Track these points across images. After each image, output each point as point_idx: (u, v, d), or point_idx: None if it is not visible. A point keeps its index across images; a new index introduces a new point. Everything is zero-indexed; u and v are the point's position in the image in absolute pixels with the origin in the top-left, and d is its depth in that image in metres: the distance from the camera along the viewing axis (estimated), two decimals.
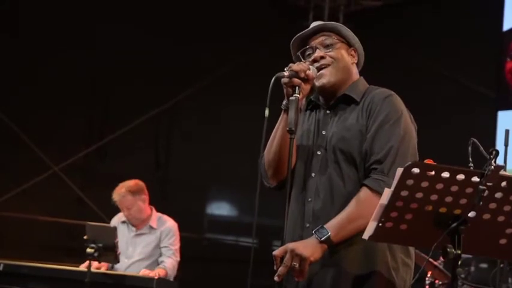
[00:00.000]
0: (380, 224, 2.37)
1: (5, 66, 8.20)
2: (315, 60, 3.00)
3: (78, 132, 8.95)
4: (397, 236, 2.43)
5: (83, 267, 5.47)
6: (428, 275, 5.59)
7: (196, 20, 8.66)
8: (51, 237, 8.38)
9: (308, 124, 3.05)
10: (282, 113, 2.96)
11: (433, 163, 2.32)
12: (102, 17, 8.44)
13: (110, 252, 5.27)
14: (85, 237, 5.21)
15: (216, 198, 9.78)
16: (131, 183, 5.92)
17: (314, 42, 3.05)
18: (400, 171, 2.29)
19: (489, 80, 8.24)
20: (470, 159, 2.38)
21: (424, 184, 2.30)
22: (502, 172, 2.29)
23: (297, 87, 2.88)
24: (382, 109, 2.89)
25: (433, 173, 2.28)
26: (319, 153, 2.95)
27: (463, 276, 5.70)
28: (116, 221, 6.06)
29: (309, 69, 2.92)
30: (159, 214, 6.07)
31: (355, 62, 3.10)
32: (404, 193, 2.32)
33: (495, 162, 2.27)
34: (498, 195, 2.33)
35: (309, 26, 3.13)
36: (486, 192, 2.29)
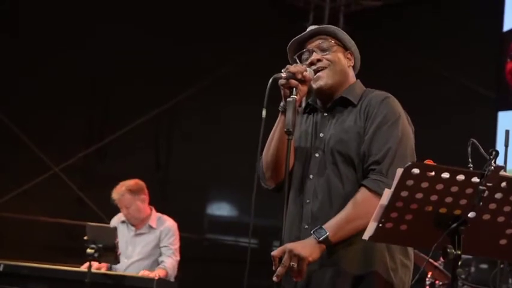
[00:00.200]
0: (380, 225, 2.38)
1: (5, 66, 8.20)
2: (312, 63, 3.03)
3: (78, 132, 8.95)
4: (397, 236, 2.44)
5: (83, 268, 5.46)
6: (429, 276, 5.60)
7: (196, 20, 8.66)
8: (51, 238, 8.38)
9: (306, 127, 3.07)
10: (280, 114, 2.97)
11: (433, 164, 2.32)
12: (102, 17, 8.43)
13: (110, 253, 5.27)
14: (85, 237, 5.21)
15: (216, 199, 9.78)
16: (131, 182, 5.93)
17: (311, 46, 3.08)
18: (400, 171, 2.30)
19: (489, 81, 8.24)
20: (470, 159, 2.38)
21: (424, 185, 2.30)
22: (502, 173, 2.29)
23: (294, 89, 2.89)
24: (379, 111, 2.90)
25: (433, 173, 2.28)
26: (317, 155, 2.97)
27: (463, 276, 5.71)
28: (116, 221, 6.07)
29: (306, 70, 2.94)
30: (159, 214, 6.07)
31: (352, 65, 3.12)
32: (404, 194, 2.32)
33: (495, 162, 2.27)
34: (498, 195, 2.33)
35: (308, 27, 3.14)
36: (486, 193, 2.29)
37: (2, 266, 5.46)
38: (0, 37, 8.23)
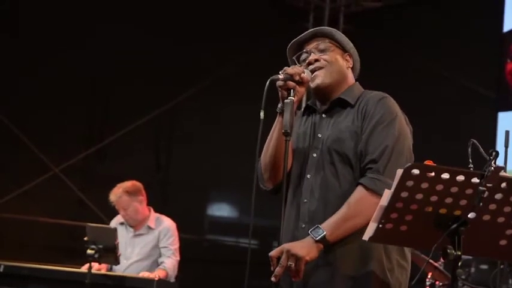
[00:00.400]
0: (380, 225, 2.38)
1: (5, 66, 8.20)
2: (309, 63, 3.05)
3: (79, 133, 8.95)
4: (397, 237, 2.44)
5: (84, 268, 5.46)
6: (429, 276, 5.60)
7: (196, 20, 8.66)
8: (51, 239, 8.37)
9: (304, 128, 3.09)
10: (278, 116, 2.99)
11: (433, 164, 2.32)
12: (102, 17, 8.43)
13: (110, 254, 5.27)
14: (85, 238, 5.22)
15: (217, 200, 9.78)
16: (128, 184, 5.93)
17: (309, 47, 3.11)
18: (400, 172, 2.30)
19: (489, 81, 8.24)
20: (470, 160, 2.38)
21: (424, 185, 2.30)
22: (502, 173, 2.29)
23: (291, 90, 2.91)
24: (376, 111, 2.91)
25: (433, 174, 2.28)
26: (314, 155, 2.98)
27: (463, 277, 5.71)
28: (115, 222, 6.07)
29: (304, 72, 2.96)
30: (157, 214, 6.07)
31: (350, 66, 3.14)
32: (404, 194, 2.32)
33: (495, 163, 2.27)
34: (498, 196, 2.33)
35: (309, 28, 3.16)
36: (486, 193, 2.29)
37: (2, 266, 5.47)
38: (0, 37, 8.23)
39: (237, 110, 8.47)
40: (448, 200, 2.33)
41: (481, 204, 2.31)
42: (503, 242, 2.45)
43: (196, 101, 8.86)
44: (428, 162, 2.34)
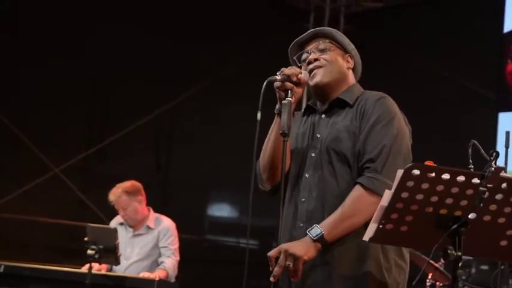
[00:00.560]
0: (380, 226, 2.38)
1: (5, 67, 8.20)
2: (309, 62, 3.06)
3: (79, 133, 8.95)
4: (397, 237, 2.44)
5: (84, 269, 5.46)
6: (429, 277, 5.59)
7: (196, 20, 8.65)
8: (51, 239, 8.37)
9: (304, 128, 3.10)
10: (276, 117, 3.00)
11: (433, 165, 2.32)
12: (102, 17, 8.43)
13: (110, 254, 5.27)
14: (86, 238, 5.22)
15: (217, 200, 9.77)
16: (127, 184, 5.93)
17: (309, 47, 3.12)
18: (400, 172, 2.30)
19: (489, 81, 8.24)
20: (471, 160, 2.38)
21: (425, 186, 2.30)
22: (502, 174, 2.29)
23: (289, 91, 2.93)
24: (375, 110, 2.92)
25: (433, 174, 2.28)
26: (313, 154, 2.99)
27: (463, 278, 5.70)
28: (115, 222, 6.07)
29: (301, 73, 2.98)
30: (156, 214, 6.07)
31: (351, 67, 3.14)
32: (404, 195, 2.32)
33: (495, 163, 2.27)
34: (498, 196, 2.33)
35: (309, 28, 3.17)
36: (486, 194, 2.29)
37: (2, 267, 5.47)
38: (0, 37, 8.23)
39: (237, 110, 8.46)
40: (449, 201, 2.33)
41: (482, 204, 2.31)
42: (503, 243, 2.45)
43: (196, 101, 8.86)
44: (428, 163, 2.35)
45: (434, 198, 2.33)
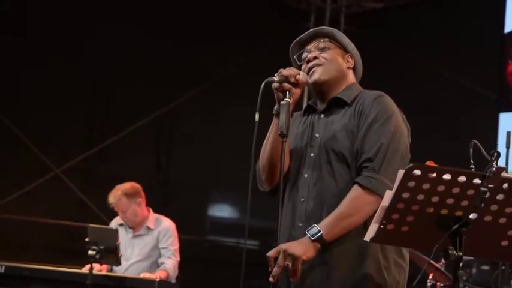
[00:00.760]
0: (381, 226, 2.38)
1: (5, 67, 8.20)
2: (308, 61, 3.08)
3: (79, 134, 8.95)
4: (398, 238, 2.44)
5: (85, 269, 5.46)
6: (430, 277, 5.59)
7: (196, 20, 8.65)
8: (52, 239, 8.37)
9: (303, 128, 3.10)
10: (274, 118, 3.01)
11: (434, 165, 2.32)
12: (102, 17, 8.43)
13: (111, 254, 5.27)
14: (87, 239, 5.22)
15: (218, 201, 9.76)
16: (127, 186, 5.92)
17: (309, 46, 3.13)
18: (401, 173, 2.30)
19: (489, 81, 8.23)
20: (472, 161, 2.38)
21: (426, 186, 2.30)
22: (503, 174, 2.29)
23: (287, 92, 2.93)
24: (372, 109, 2.93)
25: (434, 175, 2.28)
26: (312, 154, 2.99)
27: (464, 278, 5.70)
28: (114, 223, 6.06)
29: (299, 74, 2.99)
30: (156, 215, 6.06)
31: (351, 66, 3.15)
32: (405, 195, 2.32)
33: (497, 164, 2.27)
34: (500, 197, 2.33)
35: (310, 28, 3.18)
36: (487, 194, 2.29)
37: (3, 267, 5.47)
38: (0, 37, 8.23)
39: (237, 110, 8.45)
40: (450, 201, 2.33)
41: (483, 205, 2.31)
42: (504, 243, 2.45)
43: (196, 101, 8.86)
44: (429, 163, 2.34)
45: (435, 199, 2.32)
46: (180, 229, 6.08)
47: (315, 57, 3.07)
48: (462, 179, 2.29)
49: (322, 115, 3.06)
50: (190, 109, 9.00)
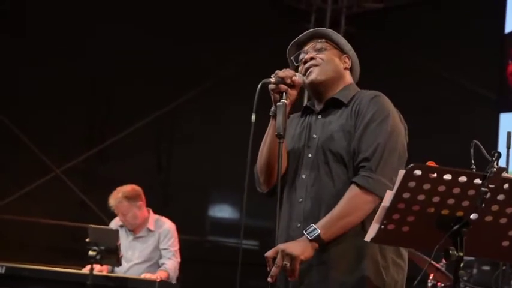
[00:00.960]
0: (382, 226, 2.38)
1: (5, 67, 8.19)
2: (305, 61, 3.09)
3: (79, 134, 8.94)
4: (399, 238, 2.44)
5: (85, 270, 5.46)
6: (431, 278, 5.59)
7: (196, 20, 8.65)
8: (52, 240, 8.36)
9: (300, 129, 3.12)
10: (271, 119, 3.02)
11: (435, 165, 2.32)
12: (102, 17, 8.42)
13: (112, 255, 5.27)
14: (87, 239, 5.22)
15: (218, 201, 9.76)
16: (128, 188, 5.90)
17: (307, 47, 3.15)
18: (402, 173, 2.30)
19: (489, 82, 8.23)
20: (473, 161, 2.38)
21: (426, 186, 2.30)
22: (504, 174, 2.29)
23: (284, 93, 2.95)
24: (369, 109, 2.94)
25: (435, 175, 2.28)
26: (309, 155, 3.00)
27: (465, 278, 5.71)
28: (114, 224, 6.05)
29: (295, 75, 3.00)
30: (157, 216, 6.06)
31: (348, 67, 3.17)
32: (406, 195, 2.32)
33: (497, 164, 2.27)
34: (500, 197, 2.33)
35: (310, 28, 3.18)
36: (488, 195, 2.29)
37: (3, 268, 5.46)
38: (0, 37, 8.22)
39: (238, 110, 8.43)
40: (450, 201, 2.33)
41: (483, 205, 2.31)
42: (505, 243, 2.45)
43: (196, 101, 8.85)
44: (430, 163, 2.35)
45: (436, 199, 2.33)
46: (180, 230, 6.08)
47: (312, 58, 3.08)
48: (463, 179, 2.29)
49: (319, 116, 3.08)
50: (191, 109, 8.99)
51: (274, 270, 2.76)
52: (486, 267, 6.10)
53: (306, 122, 3.11)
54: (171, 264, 5.84)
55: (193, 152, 8.86)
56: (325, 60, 3.08)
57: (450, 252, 2.35)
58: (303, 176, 2.98)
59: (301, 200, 2.96)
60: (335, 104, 3.05)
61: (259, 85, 2.92)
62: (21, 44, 8.25)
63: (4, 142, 8.28)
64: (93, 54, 8.44)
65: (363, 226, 2.80)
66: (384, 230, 2.38)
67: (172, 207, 8.04)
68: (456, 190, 2.30)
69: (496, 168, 2.26)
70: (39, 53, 8.22)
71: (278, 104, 2.93)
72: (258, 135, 2.97)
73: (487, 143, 2.40)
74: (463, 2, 8.50)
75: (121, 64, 8.44)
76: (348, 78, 3.15)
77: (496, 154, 2.27)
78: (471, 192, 2.30)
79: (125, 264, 5.75)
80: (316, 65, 3.06)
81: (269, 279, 2.76)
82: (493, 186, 2.28)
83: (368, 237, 2.43)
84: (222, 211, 9.83)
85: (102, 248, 5.15)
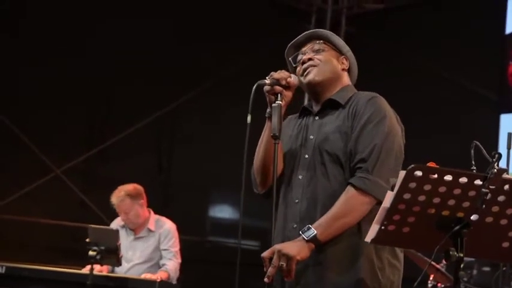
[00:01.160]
0: (382, 227, 2.38)
1: (5, 67, 8.19)
2: (303, 62, 3.10)
3: (79, 134, 8.93)
4: (399, 239, 2.44)
5: (85, 270, 5.46)
6: (431, 278, 5.60)
7: (196, 20, 8.65)
8: (53, 240, 8.36)
9: (297, 130, 3.12)
10: (267, 120, 3.03)
11: (435, 166, 2.32)
12: (102, 16, 8.42)
13: (112, 255, 5.27)
14: (87, 239, 5.22)
15: (218, 201, 9.75)
16: (130, 187, 5.91)
17: (305, 48, 3.16)
18: (402, 174, 2.30)
19: (489, 82, 8.23)
20: (473, 162, 2.38)
21: (427, 187, 2.30)
22: (504, 175, 2.29)
23: (279, 95, 2.97)
24: (366, 110, 2.94)
25: (435, 176, 2.28)
26: (306, 156, 3.01)
27: (465, 279, 5.71)
28: (115, 224, 6.05)
29: (290, 76, 3.02)
30: (157, 216, 6.06)
31: (346, 68, 3.17)
32: (406, 196, 2.32)
33: (498, 165, 2.27)
34: (501, 198, 2.33)
35: (310, 29, 3.19)
36: (489, 196, 2.29)
37: (3, 268, 5.47)
38: (0, 37, 8.22)
39: (238, 110, 8.42)
40: (451, 202, 2.33)
41: (484, 206, 2.31)
42: (505, 244, 2.45)
43: (196, 101, 8.85)
44: (431, 164, 2.35)
45: (436, 200, 2.33)
46: (180, 230, 6.07)
47: (310, 59, 3.09)
48: (463, 180, 2.29)
49: (316, 117, 3.08)
50: (191, 109, 8.99)
51: (270, 270, 2.77)
52: (486, 268, 6.09)
53: (304, 123, 3.12)
54: (171, 265, 5.83)
55: (193, 152, 8.86)
56: (323, 61, 3.09)
57: (450, 253, 2.35)
58: (300, 177, 2.99)
59: (297, 200, 2.97)
60: (332, 105, 3.06)
61: (254, 86, 2.94)
62: (22, 44, 8.25)
63: (4, 142, 8.28)
64: (93, 54, 8.43)
65: (359, 227, 2.82)
66: (384, 231, 2.38)
67: (173, 208, 8.04)
68: (457, 191, 2.30)
69: (497, 169, 2.26)
70: (39, 53, 8.21)
71: (273, 105, 2.95)
72: (255, 136, 2.97)
73: (487, 144, 2.40)
74: (464, 2, 8.50)
75: (121, 64, 8.43)
76: (346, 79, 3.16)
77: (497, 155, 2.27)
78: (472, 193, 2.30)
79: (125, 265, 5.75)
80: (314, 66, 3.07)
81: (265, 279, 2.78)
82: (493, 187, 2.28)
83: (368, 238, 2.43)
84: (222, 211, 9.82)
85: (102, 248, 5.15)
